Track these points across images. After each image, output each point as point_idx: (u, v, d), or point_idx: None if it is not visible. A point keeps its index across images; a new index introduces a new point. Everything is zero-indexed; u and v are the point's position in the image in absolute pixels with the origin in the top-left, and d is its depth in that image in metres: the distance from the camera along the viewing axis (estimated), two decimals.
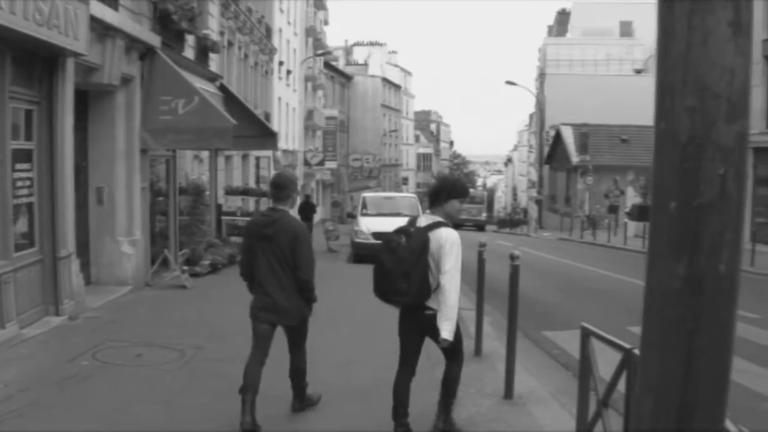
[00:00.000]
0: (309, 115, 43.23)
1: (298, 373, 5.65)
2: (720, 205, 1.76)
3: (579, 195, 43.64)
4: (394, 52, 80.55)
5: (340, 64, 64.93)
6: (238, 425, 5.12)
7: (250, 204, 21.63)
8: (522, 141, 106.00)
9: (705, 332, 1.79)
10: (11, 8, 7.08)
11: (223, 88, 17.45)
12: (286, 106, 35.96)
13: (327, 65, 53.52)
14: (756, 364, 7.63)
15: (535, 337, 9.40)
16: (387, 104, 71.38)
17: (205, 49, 16.98)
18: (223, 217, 17.91)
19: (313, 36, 45.11)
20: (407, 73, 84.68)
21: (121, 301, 10.61)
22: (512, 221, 60.45)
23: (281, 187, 5.49)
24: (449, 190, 5.10)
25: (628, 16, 63.09)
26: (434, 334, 4.83)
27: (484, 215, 52.50)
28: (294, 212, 14.43)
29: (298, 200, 21.12)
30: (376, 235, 18.76)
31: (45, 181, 8.83)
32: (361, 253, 18.79)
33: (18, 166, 8.26)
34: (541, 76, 65.33)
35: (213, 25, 18.65)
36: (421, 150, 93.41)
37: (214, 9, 18.99)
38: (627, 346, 3.46)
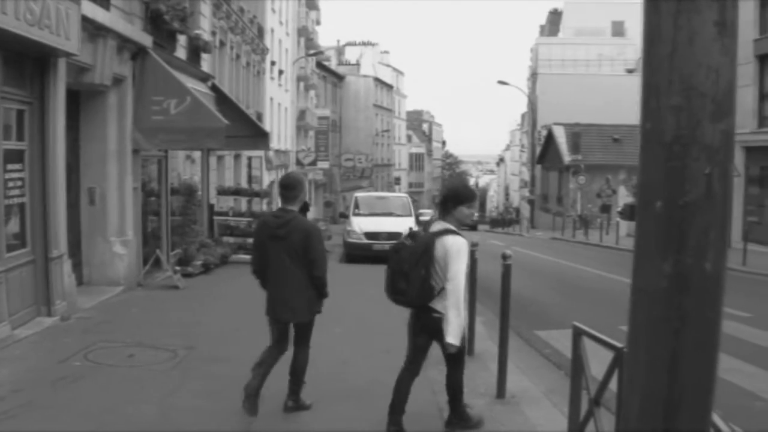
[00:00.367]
0: (301, 115, 43.17)
1: (298, 370, 5.72)
2: (705, 204, 1.77)
3: (571, 194, 43.68)
4: (386, 51, 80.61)
5: (332, 64, 64.95)
6: (232, 423, 5.12)
7: (242, 204, 21.57)
8: (514, 141, 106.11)
9: (691, 331, 1.80)
10: (2, 8, 7.06)
11: (215, 88, 17.40)
12: (278, 106, 35.89)
13: (319, 65, 53.50)
14: (748, 362, 7.67)
15: (527, 336, 9.42)
16: (379, 104, 71.40)
17: (196, 49, 16.94)
18: (215, 217, 17.86)
19: (305, 36, 45.06)
20: (399, 72, 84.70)
21: (113, 301, 10.58)
22: (504, 221, 60.59)
23: (290, 188, 5.63)
24: (454, 198, 5.26)
25: (619, 16, 63.17)
26: (441, 337, 4.98)
27: (476, 215, 52.58)
28: None
29: None
30: (369, 234, 18.76)
31: (37, 181, 8.81)
32: (353, 253, 18.77)
33: (10, 166, 8.24)
34: (533, 76, 65.46)
35: (205, 25, 18.59)
36: (414, 150, 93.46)
37: (205, 9, 18.94)
38: (619, 345, 3.47)
